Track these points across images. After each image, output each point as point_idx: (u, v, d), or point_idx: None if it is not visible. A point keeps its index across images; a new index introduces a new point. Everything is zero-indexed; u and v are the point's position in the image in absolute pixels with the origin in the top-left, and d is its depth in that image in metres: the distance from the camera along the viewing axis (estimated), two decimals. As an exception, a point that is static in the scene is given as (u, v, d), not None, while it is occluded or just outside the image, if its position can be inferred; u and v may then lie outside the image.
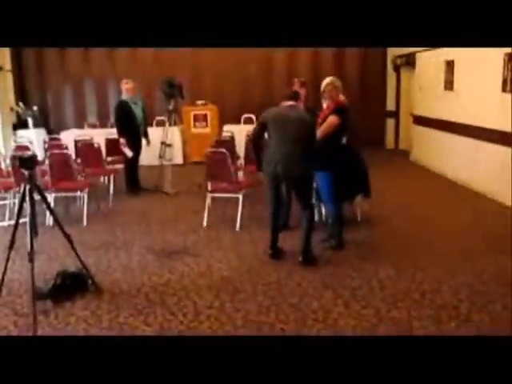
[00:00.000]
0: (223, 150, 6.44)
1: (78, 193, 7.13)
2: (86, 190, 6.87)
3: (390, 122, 13.21)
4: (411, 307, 4.09)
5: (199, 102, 11.41)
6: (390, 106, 13.13)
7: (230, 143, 8.25)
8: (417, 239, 5.78)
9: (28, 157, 4.22)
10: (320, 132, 5.19)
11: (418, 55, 10.96)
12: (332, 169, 5.28)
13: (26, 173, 4.13)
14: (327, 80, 5.46)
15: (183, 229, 6.41)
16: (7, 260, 4.23)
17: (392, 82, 12.98)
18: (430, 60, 10.06)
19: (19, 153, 5.99)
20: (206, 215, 6.49)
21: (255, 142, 5.34)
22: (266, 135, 5.23)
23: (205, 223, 6.46)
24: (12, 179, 6.57)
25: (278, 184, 5.20)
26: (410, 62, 11.72)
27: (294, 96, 5.25)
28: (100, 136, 9.06)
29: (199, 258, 5.32)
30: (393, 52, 12.61)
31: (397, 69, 12.69)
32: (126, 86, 8.27)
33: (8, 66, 12.54)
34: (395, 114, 13.01)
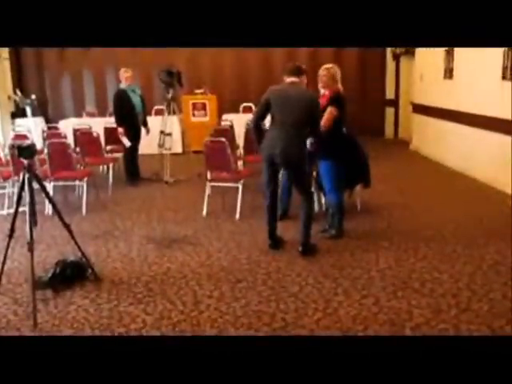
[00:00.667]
0: (222, 139, 6.42)
1: (77, 182, 7.12)
2: (85, 179, 6.85)
3: (390, 111, 13.17)
4: (411, 296, 4.09)
5: (198, 91, 11.36)
6: (390, 95, 13.07)
7: (228, 132, 8.21)
8: (417, 228, 5.77)
9: (27, 146, 4.20)
10: (322, 125, 5.05)
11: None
12: (333, 158, 5.25)
13: (25, 162, 4.11)
14: (326, 65, 5.38)
15: (183, 218, 6.40)
16: (7, 249, 4.23)
17: (391, 71, 12.91)
18: (430, 48, 9.99)
19: (18, 142, 5.95)
20: (205, 204, 6.47)
21: (256, 124, 5.03)
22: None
23: (204, 212, 6.45)
24: (11, 168, 6.55)
25: (275, 169, 5.01)
26: (409, 50, 11.67)
27: (298, 71, 4.89)
28: (99, 125, 9.03)
29: (199, 248, 5.32)
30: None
31: (396, 57, 12.62)
32: (126, 74, 8.21)
33: (5, 54, 12.46)
34: (394, 103, 12.96)
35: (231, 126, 8.75)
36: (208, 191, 6.54)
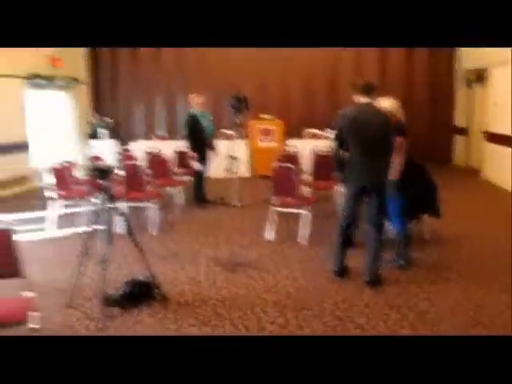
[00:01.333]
0: (289, 165, 6.47)
1: (148, 203, 7.32)
2: (156, 200, 7.05)
3: (460, 139, 12.81)
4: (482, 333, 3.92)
5: (265, 117, 11.50)
6: (461, 122, 12.73)
7: (295, 158, 8.26)
8: (488, 262, 5.55)
9: (105, 168, 4.42)
10: (398, 160, 5.01)
11: (491, 70, 10.62)
12: (402, 186, 5.16)
13: (103, 182, 4.31)
14: (386, 102, 5.22)
15: (249, 242, 6.45)
16: (81, 266, 4.42)
17: (462, 98, 12.60)
18: (504, 75, 9.69)
19: (95, 163, 6.23)
20: (271, 229, 6.51)
21: (337, 156, 4.91)
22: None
23: (270, 237, 6.47)
24: (87, 188, 6.86)
25: (360, 197, 4.91)
26: (481, 77, 11.38)
27: (369, 89, 4.66)
28: (169, 148, 9.30)
29: (264, 273, 5.34)
30: (464, 66, 12.29)
31: (469, 84, 12.32)
32: (196, 99, 8.47)
33: (83, 77, 13.14)
34: (465, 131, 12.60)
35: (297, 152, 8.79)
36: (274, 216, 6.58)
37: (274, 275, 5.28)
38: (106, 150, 10.55)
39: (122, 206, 4.80)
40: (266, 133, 11.42)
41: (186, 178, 8.70)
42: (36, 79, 10.88)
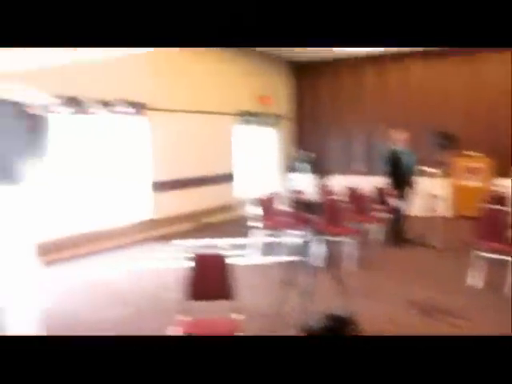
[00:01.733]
0: (500, 207, 6.06)
1: (346, 238, 7.39)
2: (355, 236, 7.11)
3: None
4: None
5: (472, 154, 10.88)
6: None
7: (505, 199, 7.69)
8: None
9: (310, 202, 4.63)
10: None
11: None
12: None
13: (310, 216, 4.52)
14: None
15: (449, 287, 6.14)
16: (283, 294, 4.65)
17: None
18: None
19: (300, 197, 6.56)
20: (475, 276, 6.10)
21: None
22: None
23: (474, 284, 6.07)
24: (290, 219, 7.21)
25: None
26: None
27: None
28: (367, 183, 9.34)
29: (467, 322, 5.02)
30: None
31: None
32: (398, 135, 8.41)
33: (287, 114, 13.92)
34: None
35: (507, 193, 8.17)
36: (479, 262, 6.16)
37: (478, 326, 4.94)
38: (306, 183, 11.03)
39: (323, 239, 4.94)
40: (471, 171, 10.80)
41: (384, 215, 8.62)
42: (246, 116, 11.86)
